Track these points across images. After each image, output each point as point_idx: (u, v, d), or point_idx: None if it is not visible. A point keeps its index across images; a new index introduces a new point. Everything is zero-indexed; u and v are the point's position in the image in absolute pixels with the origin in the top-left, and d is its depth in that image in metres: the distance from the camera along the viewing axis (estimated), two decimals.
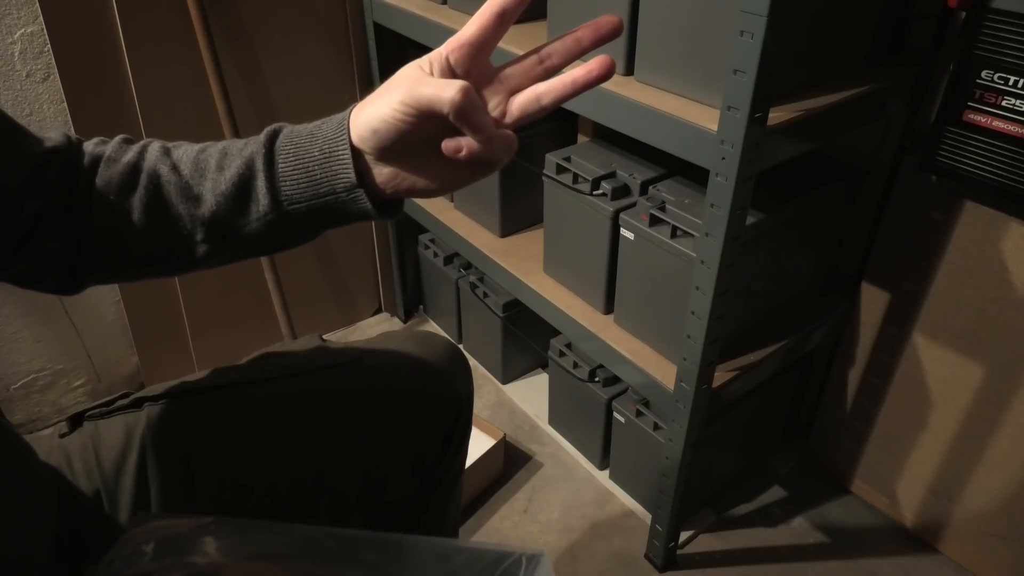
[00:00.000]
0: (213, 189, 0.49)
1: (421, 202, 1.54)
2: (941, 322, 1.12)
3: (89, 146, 0.53)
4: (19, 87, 1.22)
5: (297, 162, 0.48)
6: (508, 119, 0.47)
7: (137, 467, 0.62)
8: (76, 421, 0.64)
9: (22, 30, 1.19)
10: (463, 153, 0.44)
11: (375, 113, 0.45)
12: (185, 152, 0.52)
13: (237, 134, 1.33)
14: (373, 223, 1.70)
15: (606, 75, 0.45)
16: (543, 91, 0.46)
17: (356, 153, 0.47)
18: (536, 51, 0.47)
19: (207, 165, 0.50)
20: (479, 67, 0.46)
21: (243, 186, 0.49)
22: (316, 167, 0.48)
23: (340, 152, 0.47)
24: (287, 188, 0.48)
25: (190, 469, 0.63)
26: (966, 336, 1.10)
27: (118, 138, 0.54)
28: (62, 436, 0.63)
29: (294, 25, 1.40)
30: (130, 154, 0.52)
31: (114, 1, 1.20)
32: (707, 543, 1.27)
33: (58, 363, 1.46)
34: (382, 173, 0.48)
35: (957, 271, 1.08)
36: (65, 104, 1.24)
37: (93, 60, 1.23)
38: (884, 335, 1.21)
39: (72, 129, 1.26)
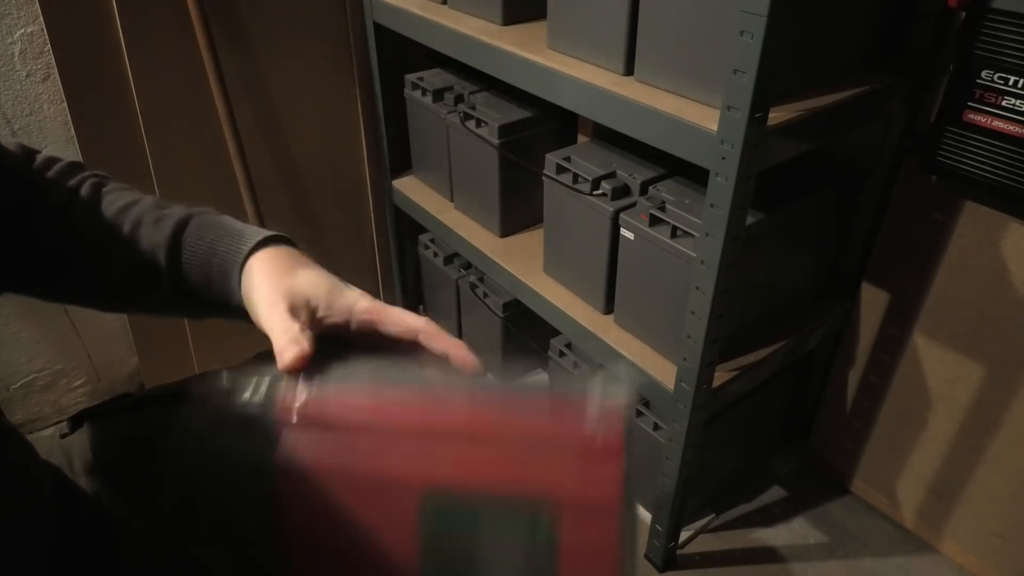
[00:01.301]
0: (125, 259, 0.52)
1: (421, 202, 1.54)
2: (941, 322, 1.12)
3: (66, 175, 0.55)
4: (19, 87, 1.22)
5: (197, 264, 0.52)
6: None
7: (137, 467, 0.62)
8: (77, 421, 0.64)
9: (22, 30, 1.19)
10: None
11: (251, 302, 0.49)
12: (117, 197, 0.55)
13: (237, 133, 1.33)
14: (373, 224, 1.70)
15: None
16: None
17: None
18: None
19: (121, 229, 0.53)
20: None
21: (150, 269, 0.52)
22: (214, 277, 0.51)
23: (232, 282, 0.50)
24: (191, 281, 0.52)
25: (189, 470, 0.63)
26: (966, 336, 1.10)
27: (65, 162, 0.56)
28: (63, 436, 0.63)
29: (294, 25, 1.40)
30: (124, 199, 0.54)
31: (114, 1, 1.20)
32: (707, 543, 1.27)
33: (58, 363, 1.46)
34: None
35: (957, 271, 1.08)
36: (65, 104, 1.24)
37: (93, 60, 1.23)
38: (884, 335, 1.21)
39: (73, 130, 1.26)
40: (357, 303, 0.48)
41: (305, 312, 0.47)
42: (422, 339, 0.48)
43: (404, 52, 1.50)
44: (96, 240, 0.52)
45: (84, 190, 0.54)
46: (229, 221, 0.53)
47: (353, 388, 0.43)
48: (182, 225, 0.52)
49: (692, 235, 0.99)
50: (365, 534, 0.39)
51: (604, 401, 0.37)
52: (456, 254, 1.62)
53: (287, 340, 0.44)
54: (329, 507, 0.40)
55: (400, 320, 0.48)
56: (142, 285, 0.52)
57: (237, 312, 0.51)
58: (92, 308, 0.56)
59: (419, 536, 0.38)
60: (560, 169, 1.17)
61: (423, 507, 0.38)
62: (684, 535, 1.26)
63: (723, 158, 0.82)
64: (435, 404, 0.42)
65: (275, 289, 0.48)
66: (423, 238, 1.69)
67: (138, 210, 0.53)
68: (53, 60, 1.21)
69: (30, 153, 0.55)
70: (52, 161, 0.55)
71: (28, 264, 0.53)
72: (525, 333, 1.54)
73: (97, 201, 0.54)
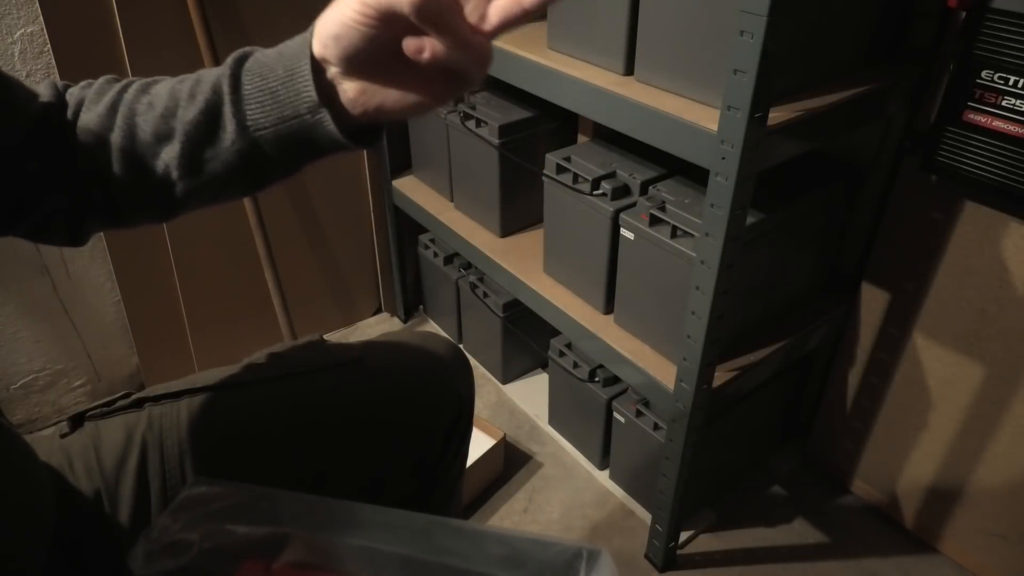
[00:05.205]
0: (182, 119, 0.48)
1: (421, 202, 1.54)
2: (941, 322, 1.12)
3: (75, 91, 0.52)
4: None
5: (262, 83, 0.46)
6: (487, 27, 0.42)
7: (137, 467, 0.62)
8: (77, 421, 0.64)
9: (22, 30, 1.19)
10: (426, 55, 0.41)
11: (336, 17, 0.42)
12: (162, 86, 0.50)
13: None
14: (373, 224, 1.70)
15: None
16: None
17: (320, 70, 0.45)
18: None
19: (180, 95, 0.48)
20: None
21: (211, 113, 0.47)
22: (280, 87, 0.46)
23: (302, 69, 0.45)
24: (252, 112, 0.47)
25: (190, 470, 0.63)
26: (966, 336, 1.10)
27: (102, 79, 0.53)
28: (63, 436, 0.63)
29: (294, 25, 1.39)
30: (110, 94, 0.50)
31: (114, 1, 1.20)
32: (707, 543, 1.27)
33: (58, 363, 1.46)
34: (348, 90, 0.45)
35: (957, 271, 1.08)
36: None
37: (93, 60, 1.23)
38: (884, 335, 1.21)
39: None
40: None
41: None
42: None
43: None
44: (159, 118, 0.48)
45: (132, 87, 0.51)
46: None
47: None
48: (243, 55, 0.48)
49: (692, 235, 0.99)
50: None
51: None
52: (456, 254, 1.62)
53: None
54: None
55: None
56: (207, 138, 0.47)
57: (302, 137, 0.47)
58: (169, 198, 0.50)
59: None
60: (560, 169, 1.17)
61: None
62: (684, 535, 1.26)
63: (723, 158, 0.82)
64: None
65: None
66: (423, 238, 1.69)
67: (195, 74, 0.50)
68: (53, 60, 1.21)
69: (65, 87, 0.53)
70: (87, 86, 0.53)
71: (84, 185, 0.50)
72: (525, 333, 1.54)
73: (148, 87, 0.51)
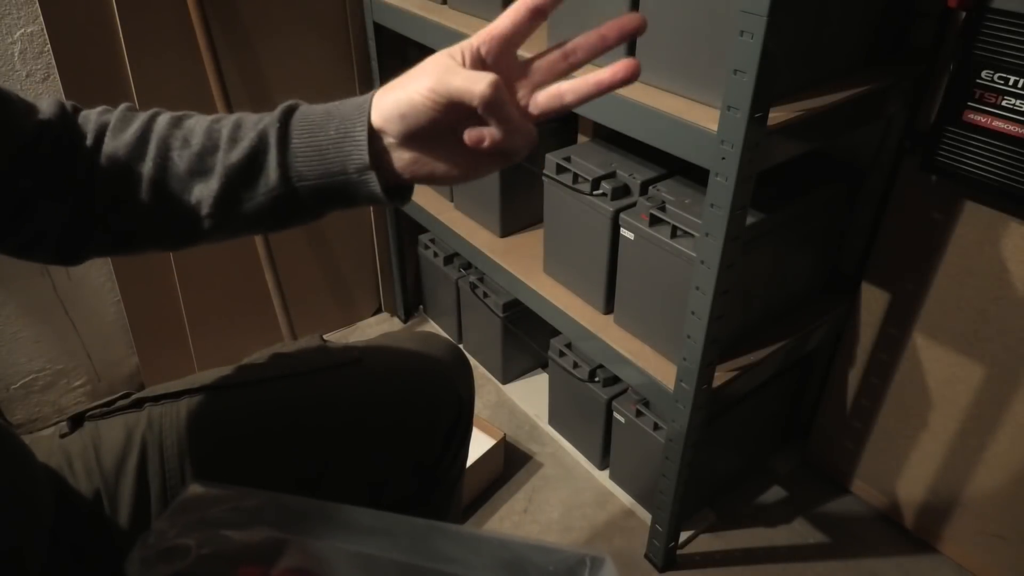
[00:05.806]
0: (223, 161, 0.49)
1: (421, 202, 1.54)
2: (941, 322, 1.12)
3: (92, 115, 0.52)
4: (19, 87, 1.22)
5: (311, 139, 0.49)
6: (533, 111, 0.48)
7: (137, 467, 0.62)
8: (77, 421, 0.64)
9: (22, 30, 1.19)
10: (487, 144, 0.45)
11: (403, 97, 0.46)
12: (197, 123, 0.51)
13: None
14: (373, 224, 1.70)
15: (631, 77, 0.47)
16: (566, 90, 0.48)
17: (374, 136, 0.48)
18: (560, 46, 0.48)
19: (219, 136, 0.50)
20: (507, 59, 0.48)
21: (254, 160, 0.49)
22: (330, 146, 0.48)
23: (356, 133, 0.47)
24: (299, 164, 0.49)
25: (190, 470, 0.63)
26: (966, 336, 1.10)
27: (123, 106, 0.53)
28: (63, 436, 0.63)
29: (294, 25, 1.40)
30: (137, 123, 0.51)
31: (114, 1, 1.20)
32: (707, 543, 1.27)
33: (58, 363, 1.46)
34: (403, 158, 0.48)
35: (957, 271, 1.08)
36: None
37: (93, 60, 1.23)
38: (884, 335, 1.21)
39: None
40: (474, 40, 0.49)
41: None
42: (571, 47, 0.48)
43: (404, 52, 1.50)
44: (195, 155, 0.50)
45: (162, 118, 0.52)
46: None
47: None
48: (290, 108, 0.50)
49: (692, 235, 0.99)
50: None
51: None
52: (456, 254, 1.62)
53: (473, 75, 0.44)
54: None
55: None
56: (246, 182, 0.49)
57: (341, 192, 0.49)
58: (191, 231, 0.52)
59: None
60: (560, 169, 1.17)
61: None
62: (684, 535, 1.26)
63: (723, 158, 0.82)
64: None
65: (415, 69, 0.47)
66: (423, 238, 1.69)
67: (233, 117, 0.51)
68: (53, 60, 1.21)
69: (75, 108, 0.53)
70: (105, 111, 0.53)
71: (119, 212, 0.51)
72: (525, 333, 1.54)
73: (180, 121, 0.52)
